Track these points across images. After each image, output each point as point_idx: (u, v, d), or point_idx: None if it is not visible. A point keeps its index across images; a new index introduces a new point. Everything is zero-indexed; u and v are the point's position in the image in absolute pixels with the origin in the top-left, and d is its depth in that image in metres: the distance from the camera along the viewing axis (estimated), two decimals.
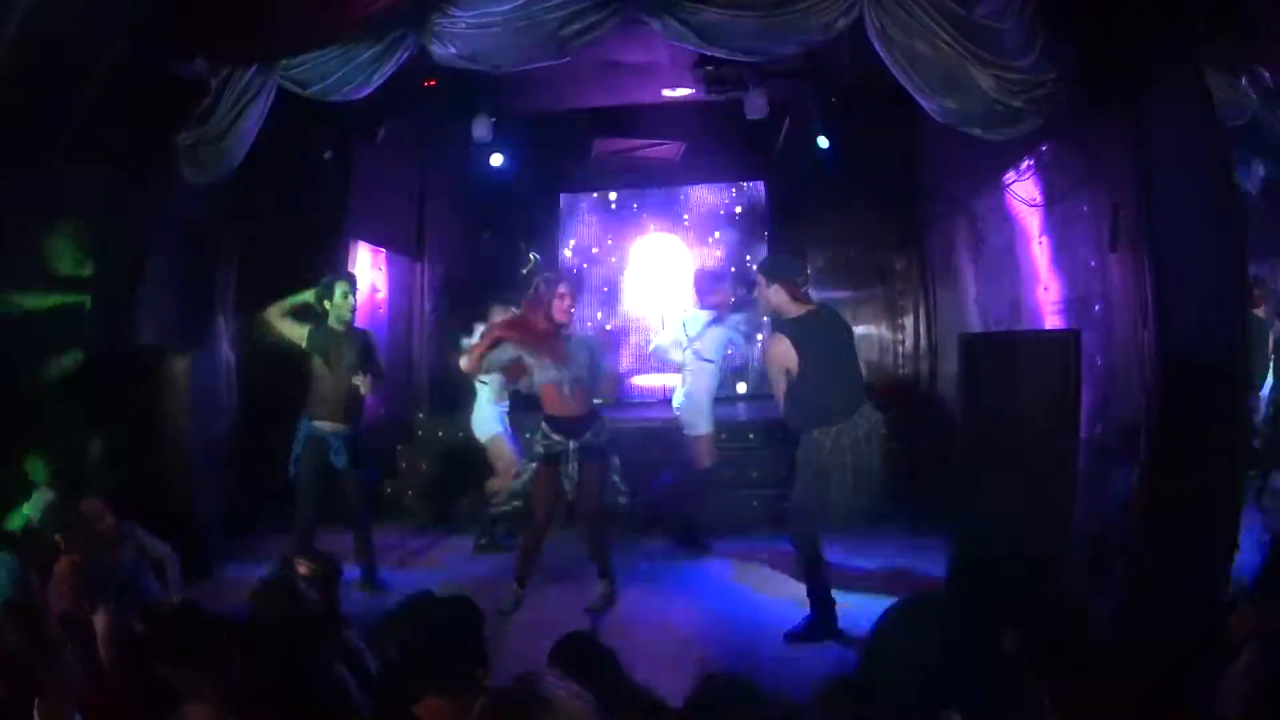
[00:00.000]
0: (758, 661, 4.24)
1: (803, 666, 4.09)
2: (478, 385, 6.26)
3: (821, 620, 4.50)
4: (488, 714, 1.69)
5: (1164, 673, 2.66)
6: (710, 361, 5.92)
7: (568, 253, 9.74)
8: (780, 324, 4.46)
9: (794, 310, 4.47)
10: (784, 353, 4.31)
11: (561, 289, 4.96)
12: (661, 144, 8.81)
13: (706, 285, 6.17)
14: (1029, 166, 5.48)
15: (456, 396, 7.10)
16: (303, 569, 3.31)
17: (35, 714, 2.57)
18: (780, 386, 4.40)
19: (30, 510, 4.64)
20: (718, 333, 5.97)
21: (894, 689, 1.96)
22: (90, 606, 3.32)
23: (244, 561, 5.89)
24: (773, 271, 4.57)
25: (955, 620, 2.00)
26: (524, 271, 9.28)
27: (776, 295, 4.48)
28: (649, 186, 9.67)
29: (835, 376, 4.38)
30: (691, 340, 5.96)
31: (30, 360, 5.06)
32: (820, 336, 4.38)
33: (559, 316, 4.93)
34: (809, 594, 4.55)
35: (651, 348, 6.44)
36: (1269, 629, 2.43)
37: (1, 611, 3.05)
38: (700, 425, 5.96)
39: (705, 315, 6.03)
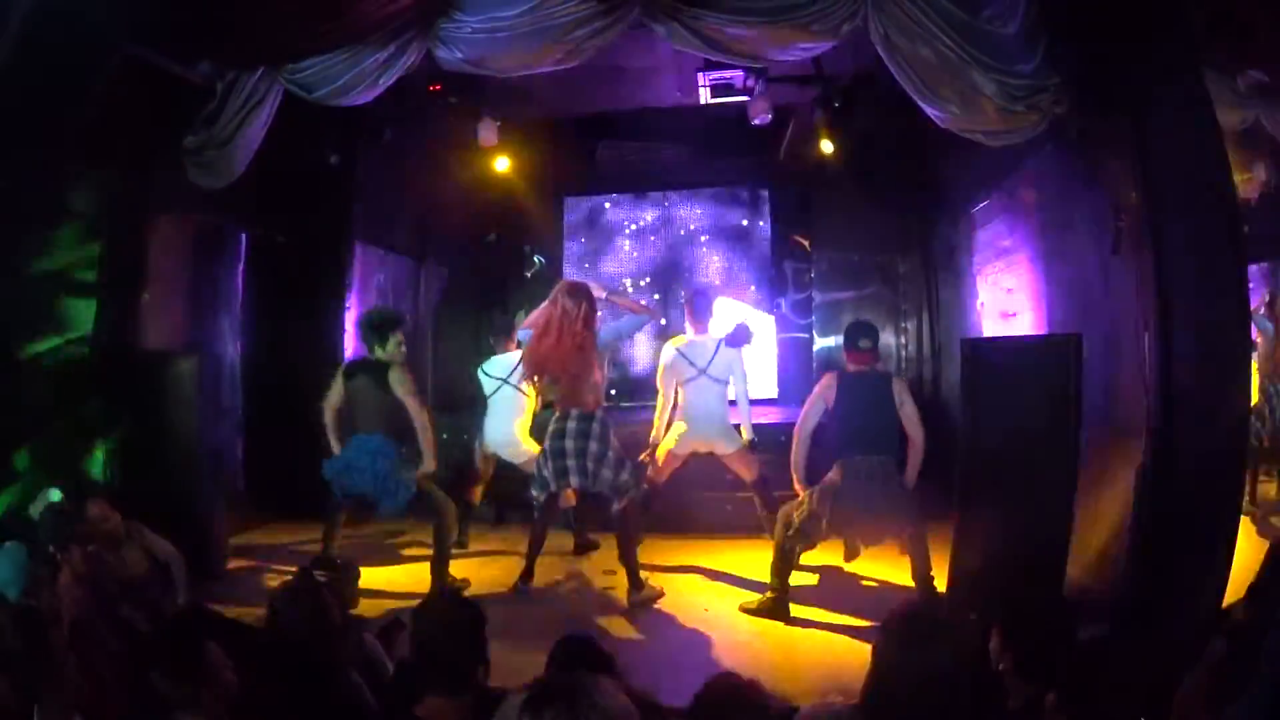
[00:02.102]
0: (759, 664, 4.25)
1: (800, 670, 4.12)
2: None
3: (778, 602, 4.87)
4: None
5: (1165, 676, 2.67)
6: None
7: None
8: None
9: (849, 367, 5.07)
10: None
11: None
12: (666, 148, 8.84)
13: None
14: (1031, 170, 5.50)
15: (460, 398, 7.13)
16: (321, 577, 3.32)
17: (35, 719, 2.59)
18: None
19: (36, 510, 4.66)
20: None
21: (905, 698, 1.97)
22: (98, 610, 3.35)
23: (251, 562, 5.95)
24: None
25: (955, 630, 2.00)
26: (528, 274, 9.32)
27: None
28: (653, 191, 9.69)
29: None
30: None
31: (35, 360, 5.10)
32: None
33: None
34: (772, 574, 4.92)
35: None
36: (1242, 627, 2.44)
37: (5, 616, 3.07)
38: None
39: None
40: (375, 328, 5.18)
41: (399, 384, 5.07)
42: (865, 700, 1.99)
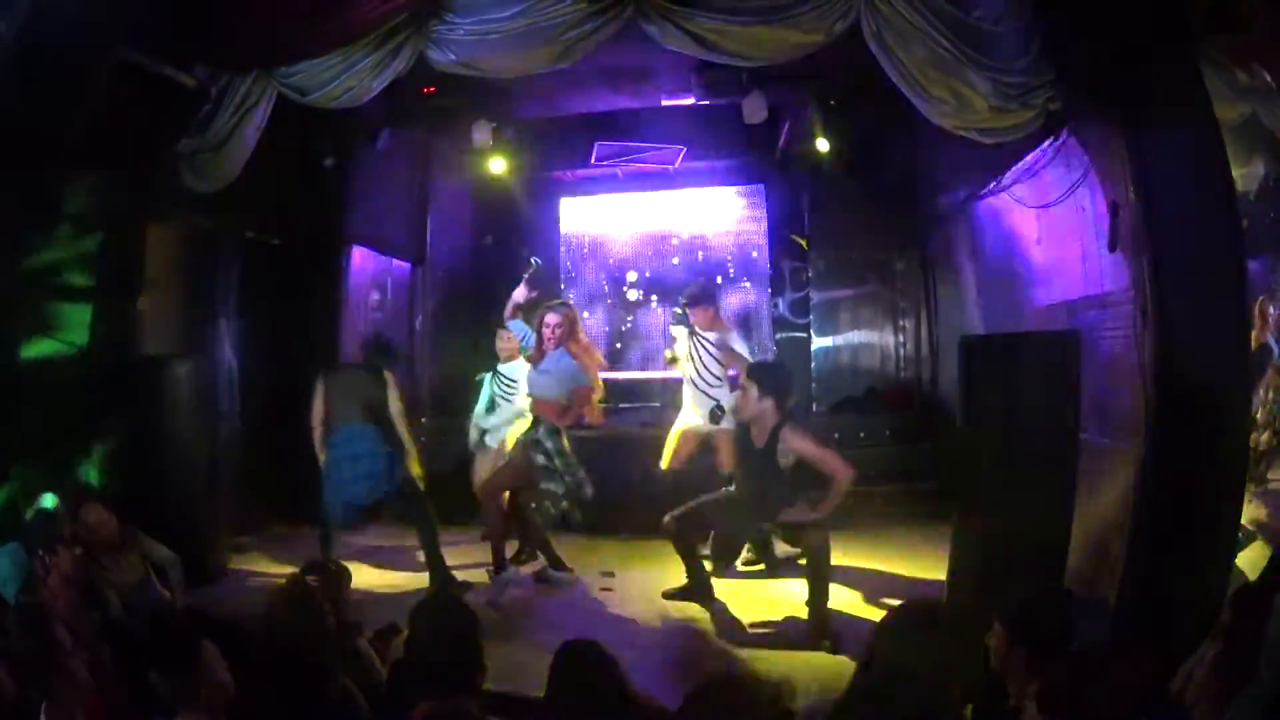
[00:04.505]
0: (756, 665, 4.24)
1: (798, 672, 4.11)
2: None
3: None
4: None
5: (1163, 674, 2.66)
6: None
7: None
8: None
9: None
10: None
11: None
12: (661, 148, 8.82)
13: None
14: (1027, 168, 5.48)
15: (458, 401, 7.11)
16: (312, 580, 3.30)
17: (42, 716, 2.59)
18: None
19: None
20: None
21: (893, 694, 1.97)
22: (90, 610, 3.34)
23: (247, 567, 5.94)
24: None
25: (951, 627, 2.01)
26: (525, 276, 9.29)
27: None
28: (649, 191, 9.68)
29: None
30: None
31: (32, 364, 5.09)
32: None
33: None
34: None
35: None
36: (1238, 625, 2.43)
37: (12, 613, 3.08)
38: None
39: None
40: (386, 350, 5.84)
41: (390, 381, 5.54)
42: (852, 689, 2.01)
